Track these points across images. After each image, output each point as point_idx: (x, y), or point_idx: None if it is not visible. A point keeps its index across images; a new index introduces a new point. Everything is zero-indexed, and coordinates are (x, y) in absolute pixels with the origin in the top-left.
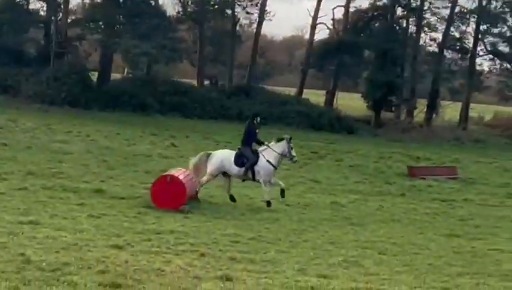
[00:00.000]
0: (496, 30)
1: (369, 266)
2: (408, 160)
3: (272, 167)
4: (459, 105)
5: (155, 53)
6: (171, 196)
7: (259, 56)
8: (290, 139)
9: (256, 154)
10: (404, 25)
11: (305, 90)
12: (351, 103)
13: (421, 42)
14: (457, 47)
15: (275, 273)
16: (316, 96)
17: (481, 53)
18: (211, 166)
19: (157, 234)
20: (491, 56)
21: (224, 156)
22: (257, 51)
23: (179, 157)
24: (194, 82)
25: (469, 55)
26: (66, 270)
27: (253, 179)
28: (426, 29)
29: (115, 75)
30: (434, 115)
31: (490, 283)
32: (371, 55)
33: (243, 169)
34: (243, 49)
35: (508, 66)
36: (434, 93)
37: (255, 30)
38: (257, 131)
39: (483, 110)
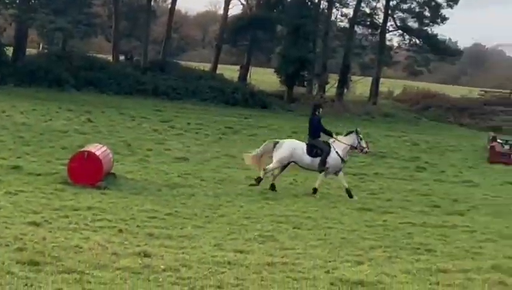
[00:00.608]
0: (405, 6)
1: (284, 241)
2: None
3: (340, 160)
4: (369, 80)
5: (70, 28)
6: (88, 172)
7: (173, 31)
8: (357, 130)
9: (328, 146)
10: (316, 0)
11: (219, 66)
12: (265, 78)
13: (333, 18)
14: (368, 22)
15: (192, 249)
16: (230, 72)
17: (391, 28)
18: (281, 154)
19: (74, 211)
20: (400, 32)
21: (295, 145)
22: (171, 26)
23: (96, 133)
24: (110, 57)
25: (379, 30)
26: None
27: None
28: (337, 4)
29: (30, 50)
30: (345, 90)
31: (402, 256)
32: (283, 30)
33: (316, 160)
34: (158, 24)
35: (417, 41)
36: (345, 69)
37: (169, 5)
38: (321, 120)
39: (392, 85)
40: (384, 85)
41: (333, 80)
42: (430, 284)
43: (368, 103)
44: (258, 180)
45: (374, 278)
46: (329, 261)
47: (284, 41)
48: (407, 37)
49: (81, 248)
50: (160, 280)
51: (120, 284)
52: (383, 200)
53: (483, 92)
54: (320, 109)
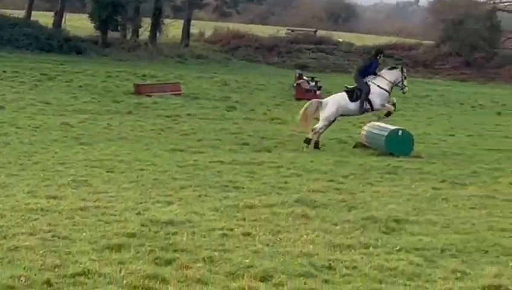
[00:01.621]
0: None
1: (97, 185)
2: (135, 78)
3: (385, 92)
4: (181, 23)
5: None
6: None
7: None
8: (402, 68)
9: (367, 85)
10: None
11: (33, 12)
12: (79, 24)
13: None
14: None
15: (6, 197)
16: (45, 18)
17: None
18: (327, 112)
19: None
20: None
21: (337, 99)
22: None
23: None
24: None
25: None
26: None
27: (372, 109)
28: None
29: None
30: (158, 33)
31: (211, 194)
32: None
33: (358, 102)
34: None
35: None
36: (157, 12)
37: None
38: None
39: (203, 26)
40: (196, 27)
41: (146, 23)
42: (237, 220)
43: (181, 45)
44: (308, 141)
45: (183, 217)
46: (141, 203)
47: None
48: None
49: None
50: None
51: None
52: (194, 141)
53: (289, 31)
54: (382, 55)
